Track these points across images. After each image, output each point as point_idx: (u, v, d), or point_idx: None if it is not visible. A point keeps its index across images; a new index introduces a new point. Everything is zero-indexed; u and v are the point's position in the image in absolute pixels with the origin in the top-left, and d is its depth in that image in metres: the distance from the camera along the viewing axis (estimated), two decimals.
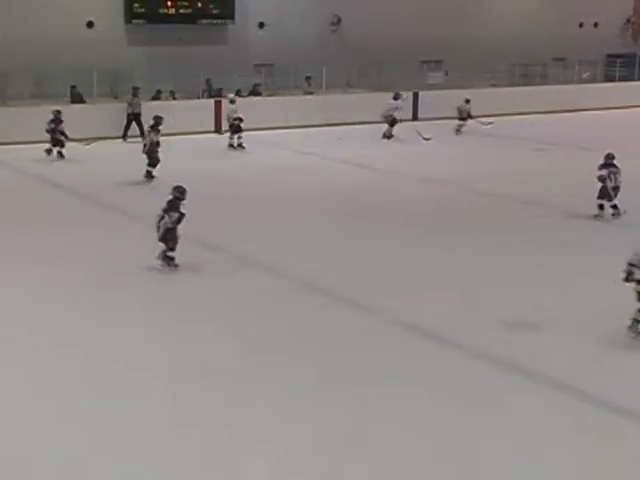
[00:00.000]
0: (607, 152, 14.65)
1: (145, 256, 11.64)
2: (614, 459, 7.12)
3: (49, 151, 19.75)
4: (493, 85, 29.88)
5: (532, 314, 10.33)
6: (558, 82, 32.17)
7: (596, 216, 14.66)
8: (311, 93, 27.73)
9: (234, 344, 9.33)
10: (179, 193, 11.46)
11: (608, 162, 14.51)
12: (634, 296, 9.40)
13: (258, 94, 27.17)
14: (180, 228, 11.46)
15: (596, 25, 36.98)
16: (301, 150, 21.05)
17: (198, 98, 26.03)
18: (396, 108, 23.33)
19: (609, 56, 35.25)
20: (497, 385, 8.45)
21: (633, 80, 33.05)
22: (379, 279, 11.57)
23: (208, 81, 26.93)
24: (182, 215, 11.38)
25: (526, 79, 32.37)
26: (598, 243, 13.45)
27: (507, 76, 31.78)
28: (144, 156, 17.56)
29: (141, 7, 27.64)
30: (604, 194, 14.54)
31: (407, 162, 20.08)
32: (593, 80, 33.53)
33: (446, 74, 30.61)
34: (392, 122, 23.21)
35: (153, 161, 17.58)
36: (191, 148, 21.39)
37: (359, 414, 7.78)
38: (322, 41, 29.65)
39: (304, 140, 20.80)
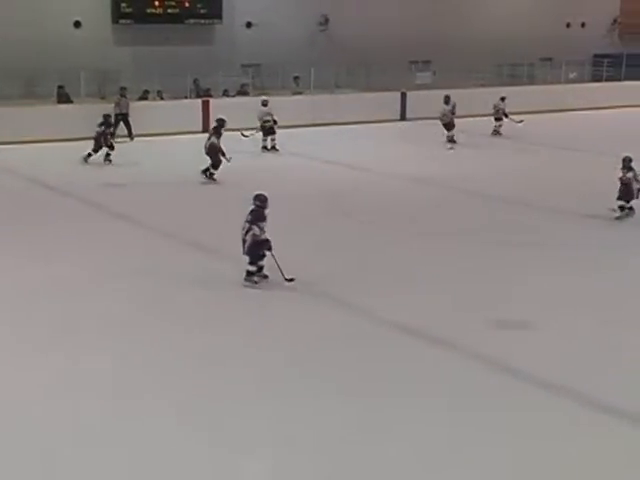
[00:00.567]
0: (625, 155, 14.68)
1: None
2: (605, 457, 7.12)
3: (89, 155, 19.28)
4: (482, 85, 29.90)
5: (521, 313, 10.33)
6: (545, 82, 32.25)
7: (618, 217, 14.60)
8: (299, 93, 27.72)
9: (206, 342, 9.36)
10: (260, 202, 10.83)
11: (628, 164, 14.52)
12: None
13: (246, 94, 27.14)
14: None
15: (583, 25, 37.10)
16: (289, 150, 21.01)
17: (186, 98, 25.98)
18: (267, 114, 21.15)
19: (596, 56, 35.36)
20: (487, 384, 8.45)
21: (620, 80, 33.13)
22: (367, 278, 11.55)
23: (196, 81, 26.88)
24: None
25: (514, 79, 32.42)
26: (587, 242, 13.50)
27: (495, 76, 31.81)
28: (207, 157, 17.48)
29: (128, 7, 27.56)
30: (628, 195, 14.53)
31: (395, 162, 20.08)
32: (580, 80, 33.60)
33: (434, 74, 30.66)
34: (269, 131, 21.07)
35: (215, 163, 17.42)
36: (178, 148, 21.39)
37: (349, 415, 7.77)
38: (310, 41, 29.66)
39: (292, 140, 20.74)
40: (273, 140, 20.81)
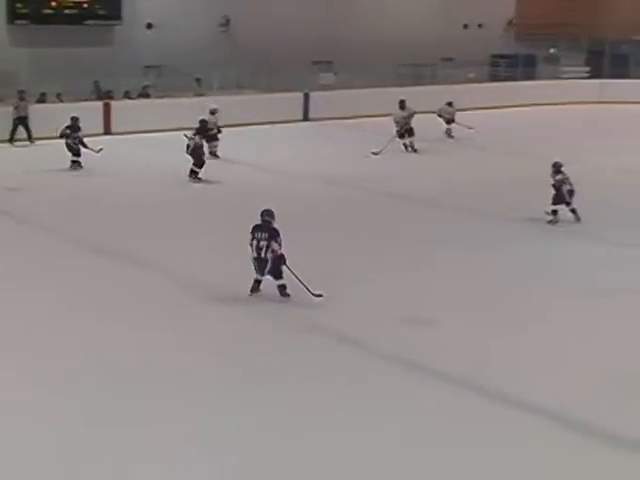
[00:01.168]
0: (555, 160, 14.79)
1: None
2: (514, 448, 7.30)
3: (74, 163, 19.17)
4: (382, 85, 30.21)
5: (432, 312, 10.51)
6: (446, 82, 32.75)
7: (550, 222, 14.68)
8: (202, 95, 27.56)
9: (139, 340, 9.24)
10: (270, 217, 10.63)
11: (558, 169, 14.67)
12: None
13: (147, 96, 26.87)
14: None
15: (480, 26, 37.79)
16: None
17: (86, 100, 25.56)
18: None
19: (493, 56, 36.08)
20: (397, 382, 8.57)
21: (516, 80, 33.90)
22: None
23: (96, 83, 26.46)
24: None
25: (415, 79, 32.83)
26: (493, 240, 13.81)
27: (396, 77, 32.16)
28: (188, 157, 18.00)
29: (24, 7, 26.84)
30: (560, 199, 14.65)
31: (299, 162, 20.17)
32: (479, 80, 34.24)
33: (336, 75, 30.84)
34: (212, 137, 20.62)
35: (199, 162, 18.05)
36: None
37: (255, 418, 7.80)
38: (212, 42, 29.48)
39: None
40: (215, 147, 20.43)
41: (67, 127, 19.07)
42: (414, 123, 21.75)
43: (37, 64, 25.84)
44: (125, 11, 28.44)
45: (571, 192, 14.65)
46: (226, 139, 20.48)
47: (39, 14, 27.05)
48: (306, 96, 27.98)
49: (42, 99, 24.80)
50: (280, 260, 10.42)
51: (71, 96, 25.24)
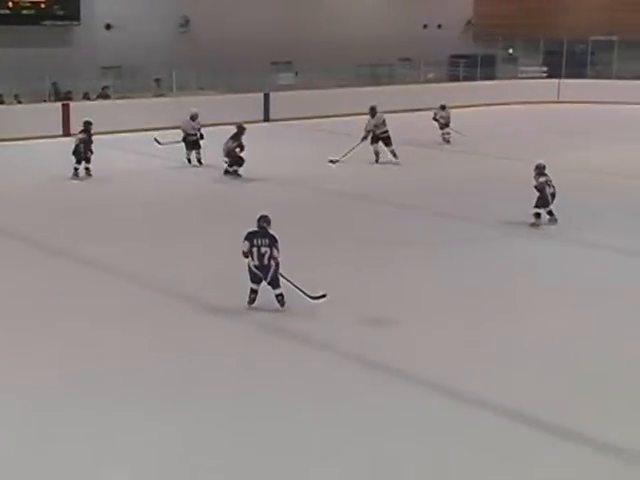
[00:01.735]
0: (538, 162, 14.59)
1: None
2: (460, 449, 7.35)
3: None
4: (341, 85, 30.34)
5: (391, 311, 10.55)
6: (405, 82, 32.92)
7: (533, 224, 14.45)
8: (161, 95, 27.46)
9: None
10: (268, 223, 10.31)
11: (541, 171, 14.47)
12: None
13: (107, 97, 26.72)
14: None
15: (439, 27, 38.04)
16: (151, 153, 20.73)
17: (45, 102, 25.37)
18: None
19: (452, 57, 36.32)
20: (357, 382, 8.60)
21: (475, 80, 34.15)
22: (239, 282, 11.54)
23: (54, 84, 26.26)
24: None
25: (374, 79, 32.97)
26: (460, 241, 13.82)
27: (355, 77, 32.29)
28: (225, 159, 18.27)
29: None
30: (544, 202, 14.44)
31: (255, 163, 20.10)
32: (438, 80, 34.46)
33: (296, 75, 30.88)
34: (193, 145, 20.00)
35: (238, 162, 18.32)
36: (36, 153, 20.95)
37: (219, 419, 7.81)
38: (171, 43, 29.39)
39: (153, 143, 20.49)
40: (198, 154, 19.76)
41: (82, 131, 18.20)
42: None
43: None
44: (83, 12, 28.29)
45: (553, 195, 14.44)
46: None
47: None
48: (266, 96, 27.99)
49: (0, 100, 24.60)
50: (277, 268, 10.20)
51: (29, 97, 25.06)
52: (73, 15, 28.16)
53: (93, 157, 18.08)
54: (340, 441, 7.35)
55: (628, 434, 7.55)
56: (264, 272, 10.16)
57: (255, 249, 10.14)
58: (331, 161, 19.87)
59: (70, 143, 18.58)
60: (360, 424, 7.67)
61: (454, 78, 35.11)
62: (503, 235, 14.18)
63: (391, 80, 33.60)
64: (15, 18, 27.12)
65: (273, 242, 10.13)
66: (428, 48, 34.33)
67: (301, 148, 22.36)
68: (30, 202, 16.26)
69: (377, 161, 20.32)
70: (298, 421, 7.71)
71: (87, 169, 18.17)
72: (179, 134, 19.80)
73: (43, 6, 27.63)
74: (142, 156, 20.88)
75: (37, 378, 8.55)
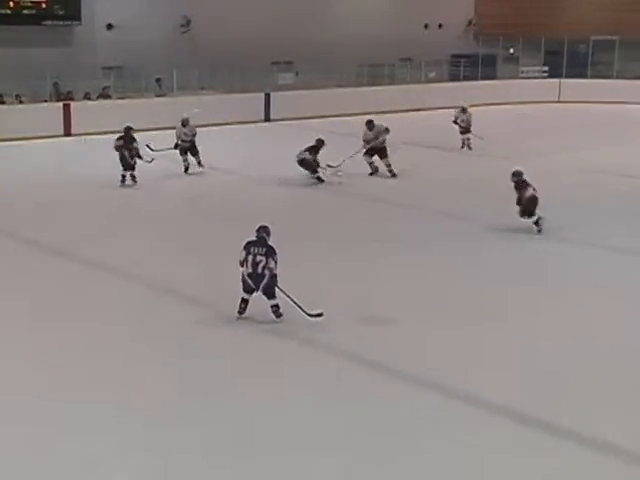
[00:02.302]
0: (516, 169, 14.30)
1: None
2: (460, 449, 7.36)
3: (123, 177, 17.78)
4: (341, 85, 30.37)
5: (390, 311, 10.56)
6: (405, 82, 32.92)
7: (539, 231, 14.15)
8: (162, 95, 27.47)
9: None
10: (267, 234, 10.15)
11: (521, 178, 14.14)
12: None
13: (108, 97, 26.71)
14: None
15: (440, 26, 38.02)
16: (152, 153, 20.71)
17: (46, 102, 25.38)
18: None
19: (454, 56, 36.30)
20: (358, 381, 8.62)
21: (476, 79, 34.14)
22: (224, 281, 11.44)
23: (55, 84, 26.26)
24: None
25: (375, 79, 32.98)
26: (452, 240, 13.87)
27: (356, 76, 32.29)
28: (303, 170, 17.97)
29: None
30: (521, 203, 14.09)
31: (254, 163, 20.14)
32: (439, 80, 34.45)
33: (297, 75, 30.88)
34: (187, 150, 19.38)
35: (313, 170, 18.02)
36: (39, 152, 20.95)
37: (220, 421, 7.81)
38: (172, 43, 29.36)
39: (155, 143, 20.47)
40: (197, 158, 19.20)
41: (120, 138, 17.79)
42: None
43: None
44: (84, 12, 28.23)
45: (534, 199, 14.10)
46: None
47: None
48: (267, 96, 28.00)
49: (0, 100, 24.57)
50: (274, 279, 9.97)
51: (30, 97, 25.08)
52: (74, 15, 28.09)
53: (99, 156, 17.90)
54: (340, 440, 7.37)
55: (628, 434, 7.56)
56: (256, 281, 9.93)
57: (250, 257, 9.95)
58: (328, 166, 18.89)
59: (70, 143, 18.58)
60: (360, 424, 7.68)
61: (455, 78, 35.08)
62: (502, 235, 14.20)
63: (392, 80, 33.58)
64: (16, 18, 27.07)
65: (270, 253, 9.93)
66: (429, 48, 34.31)
67: (299, 148, 22.31)
68: (34, 202, 16.29)
69: (372, 174, 19.25)
70: (298, 420, 7.73)
71: (132, 176, 17.63)
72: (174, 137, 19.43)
73: (44, 6, 27.56)
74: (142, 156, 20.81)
75: (37, 378, 8.56)
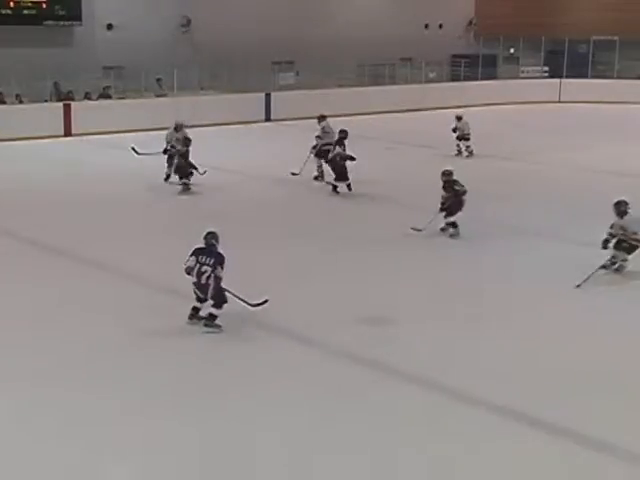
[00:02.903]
0: (445, 169, 14.17)
1: None
2: (460, 448, 7.35)
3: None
4: (341, 85, 30.38)
5: (386, 310, 10.56)
6: (406, 82, 32.93)
7: (452, 235, 14.05)
8: (163, 95, 27.47)
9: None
10: (217, 241, 9.84)
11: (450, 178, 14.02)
12: None
13: (108, 97, 26.72)
14: None
15: (441, 27, 38.03)
16: (153, 152, 20.71)
17: (46, 102, 25.39)
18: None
19: (454, 56, 36.33)
20: (357, 381, 8.62)
21: (477, 79, 34.15)
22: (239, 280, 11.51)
23: (56, 84, 26.26)
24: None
25: (375, 79, 32.99)
26: (446, 240, 13.86)
27: (357, 76, 32.31)
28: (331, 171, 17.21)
29: None
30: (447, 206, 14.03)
31: (254, 163, 20.12)
32: (439, 80, 34.46)
33: (297, 75, 30.88)
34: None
35: (341, 174, 16.95)
36: (40, 152, 20.94)
37: (220, 419, 7.82)
38: (172, 43, 29.38)
39: (155, 142, 20.49)
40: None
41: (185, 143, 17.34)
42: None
43: None
44: (85, 12, 28.23)
45: (459, 202, 13.91)
46: None
47: None
48: (268, 96, 28.00)
49: (1, 100, 24.58)
50: (219, 284, 9.70)
51: (31, 97, 25.10)
52: (74, 15, 28.09)
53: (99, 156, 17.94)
54: (339, 440, 7.36)
55: (628, 434, 7.56)
56: (203, 291, 9.73)
57: (197, 266, 9.67)
58: (293, 173, 18.39)
59: (71, 143, 18.57)
60: (360, 423, 7.68)
61: (455, 78, 35.12)
62: (502, 235, 14.20)
63: (392, 80, 33.60)
64: (16, 18, 27.06)
65: (218, 262, 9.64)
66: (429, 48, 34.35)
67: (302, 148, 22.29)
68: (32, 199, 16.29)
69: (317, 178, 18.15)
70: (297, 420, 7.72)
71: (185, 184, 17.16)
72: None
73: (44, 6, 27.56)
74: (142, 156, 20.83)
75: (37, 378, 8.56)
